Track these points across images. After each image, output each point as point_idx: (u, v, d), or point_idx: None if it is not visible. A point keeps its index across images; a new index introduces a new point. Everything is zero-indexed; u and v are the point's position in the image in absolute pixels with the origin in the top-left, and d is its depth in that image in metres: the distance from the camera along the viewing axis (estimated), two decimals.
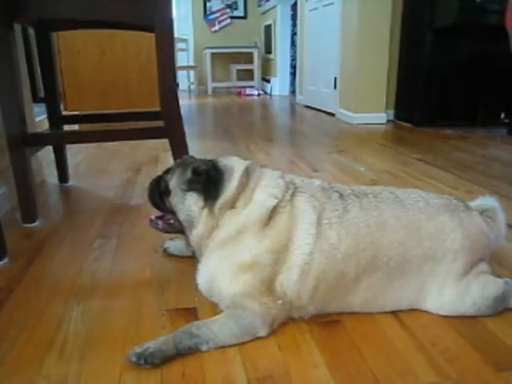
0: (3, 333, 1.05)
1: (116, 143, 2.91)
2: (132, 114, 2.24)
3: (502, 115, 4.01)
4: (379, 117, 4.36)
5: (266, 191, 1.07)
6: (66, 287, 1.26)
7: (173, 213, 1.08)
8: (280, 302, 1.04)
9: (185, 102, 5.15)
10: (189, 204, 1.06)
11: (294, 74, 7.86)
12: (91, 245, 1.55)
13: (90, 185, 2.27)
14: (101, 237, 1.61)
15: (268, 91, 8.02)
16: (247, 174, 1.08)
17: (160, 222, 1.15)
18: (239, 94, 7.70)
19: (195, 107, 6.19)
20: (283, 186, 1.10)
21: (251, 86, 7.98)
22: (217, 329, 0.99)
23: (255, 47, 8.13)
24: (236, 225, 1.04)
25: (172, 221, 1.11)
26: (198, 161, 1.11)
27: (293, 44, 7.57)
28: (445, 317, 1.11)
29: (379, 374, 0.93)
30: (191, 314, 1.13)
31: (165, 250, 1.46)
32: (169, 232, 1.18)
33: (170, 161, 2.82)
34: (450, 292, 1.10)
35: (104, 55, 3.87)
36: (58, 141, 1.84)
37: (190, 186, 1.06)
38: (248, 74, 8.23)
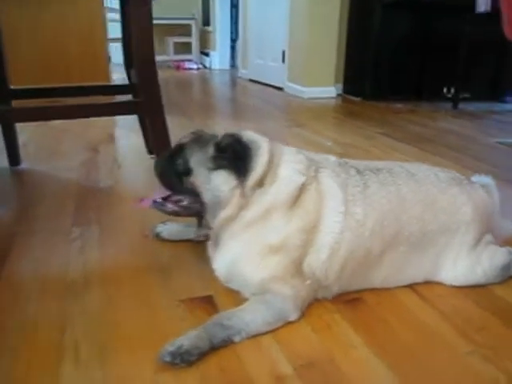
0: None
1: (64, 121, 2.65)
2: (93, 88, 2.04)
3: (445, 90, 4.21)
4: (329, 91, 4.39)
5: (290, 167, 1.00)
6: (56, 285, 1.12)
7: (192, 194, 0.97)
8: (308, 283, 1.00)
9: (119, 77, 4.83)
10: (217, 184, 0.96)
11: (233, 47, 7.69)
12: (69, 234, 1.39)
13: (45, 167, 2.05)
14: (78, 224, 1.45)
15: (207, 65, 7.77)
16: (271, 148, 1.01)
17: (169, 205, 1.03)
18: (178, 67, 7.37)
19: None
20: (305, 161, 1.04)
21: (189, 60, 7.68)
22: (249, 318, 0.92)
23: (193, 19, 7.79)
24: (264, 204, 0.96)
25: (185, 202, 1.00)
26: (217, 135, 1.01)
27: (232, 16, 7.36)
28: (458, 287, 1.14)
29: (416, 348, 0.93)
30: (209, 302, 1.05)
31: (157, 235, 1.35)
32: (178, 215, 1.07)
33: (128, 138, 2.67)
34: (463, 263, 1.13)
35: (41, 26, 3.48)
36: (17, 118, 1.61)
37: (217, 163, 0.96)
38: (186, 48, 7.89)
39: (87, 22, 3.55)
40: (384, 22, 3.95)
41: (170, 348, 0.83)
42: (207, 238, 1.05)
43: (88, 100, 1.76)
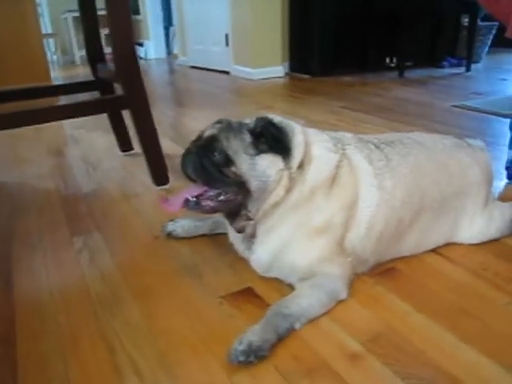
0: (44, 373, 0.83)
1: None
2: (55, 88, 1.88)
3: (387, 60, 4.36)
4: (277, 70, 4.40)
5: (322, 146, 0.99)
6: (81, 302, 1.04)
7: (236, 184, 0.92)
8: (350, 259, 1.01)
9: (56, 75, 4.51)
10: (263, 168, 0.92)
11: (167, 34, 7.45)
12: (72, 245, 1.30)
13: (14, 177, 1.88)
14: (77, 234, 1.36)
15: (142, 55, 7.47)
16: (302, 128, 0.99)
17: (205, 202, 0.96)
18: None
19: (66, 81, 5.47)
20: (330, 139, 1.03)
21: None
22: (306, 303, 0.91)
23: None
24: (308, 185, 0.95)
25: (222, 197, 0.95)
26: (245, 121, 0.97)
27: (162, 3, 7.11)
28: (475, 245, 1.20)
29: (461, 305, 0.97)
30: (251, 294, 1.03)
31: (169, 234, 1.29)
32: (216, 212, 1.01)
33: (90, 139, 2.51)
34: (478, 222, 1.19)
35: None
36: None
37: (258, 148, 0.92)
38: None
39: (18, 18, 3.25)
40: None
41: (241, 347, 0.81)
42: (241, 231, 1.01)
43: (29, 103, 1.61)
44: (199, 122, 2.73)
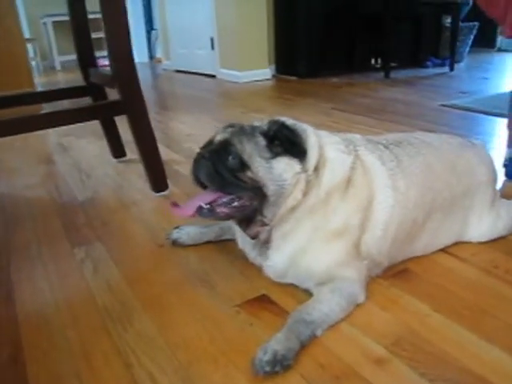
0: None
1: None
2: (45, 93, 1.82)
3: (373, 61, 4.40)
4: (264, 73, 4.39)
5: (334, 148, 0.98)
6: (90, 315, 1.00)
7: (252, 189, 0.90)
8: (366, 262, 0.99)
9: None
10: (279, 172, 0.90)
11: (149, 39, 7.38)
12: (73, 256, 1.25)
13: (4, 187, 1.82)
14: (78, 245, 1.31)
15: None
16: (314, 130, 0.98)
17: (220, 209, 0.93)
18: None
19: (48, 87, 5.35)
20: (342, 141, 1.02)
21: (104, 56, 7.22)
22: (327, 309, 0.89)
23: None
24: (324, 187, 0.93)
25: (236, 203, 0.93)
26: (257, 124, 0.95)
27: (144, 6, 7.05)
28: (484, 243, 1.20)
29: (479, 304, 0.97)
30: (267, 301, 1.01)
31: (174, 242, 1.26)
32: (230, 218, 0.98)
33: (80, 146, 2.45)
34: (486, 220, 1.19)
35: None
36: None
37: (273, 152, 0.90)
38: (98, 44, 7.29)
39: None
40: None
41: (266, 357, 0.78)
42: (255, 237, 0.99)
43: (19, 110, 1.55)
44: (188, 126, 2.71)
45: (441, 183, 1.11)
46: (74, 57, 6.55)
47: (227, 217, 0.96)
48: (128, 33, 1.35)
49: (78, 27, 1.70)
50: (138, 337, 0.92)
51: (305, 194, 0.92)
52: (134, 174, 1.86)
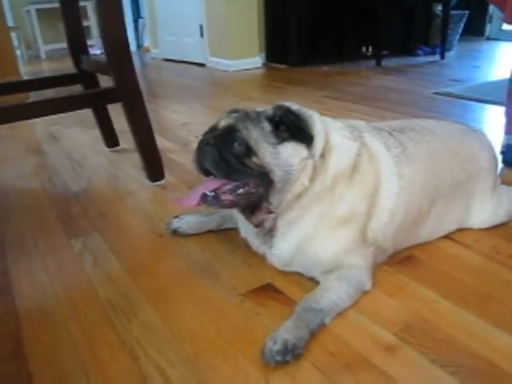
0: None
1: None
2: (34, 81, 1.77)
3: (364, 49, 4.38)
4: (255, 61, 4.34)
5: (339, 134, 0.96)
6: (92, 308, 0.97)
7: (258, 175, 0.88)
8: (372, 248, 0.99)
9: None
10: (286, 157, 0.88)
11: (136, 27, 7.24)
12: (71, 247, 1.22)
13: None
14: (75, 235, 1.28)
15: None
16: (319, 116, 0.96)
17: (224, 196, 0.91)
18: None
19: (34, 76, 5.22)
20: (346, 127, 1.00)
21: (91, 46, 7.07)
22: (335, 297, 0.88)
23: (87, 0, 7.15)
24: (330, 173, 0.92)
25: (241, 190, 0.91)
26: (262, 110, 0.92)
27: None
28: (485, 229, 1.20)
29: (485, 290, 0.97)
30: (272, 290, 1.00)
31: (175, 232, 1.24)
32: (235, 206, 0.96)
33: (69, 135, 2.39)
34: (488, 206, 1.19)
35: None
36: None
37: (279, 137, 0.88)
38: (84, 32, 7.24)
39: None
40: None
41: (276, 346, 0.77)
42: (260, 225, 0.97)
43: (3, 99, 1.50)
44: (181, 115, 2.67)
45: (444, 170, 1.10)
46: (59, 45, 6.41)
47: (232, 204, 0.93)
48: (123, 17, 1.31)
49: (69, 13, 1.64)
50: (143, 328, 0.90)
51: (311, 180, 0.90)
52: (128, 163, 1.82)
